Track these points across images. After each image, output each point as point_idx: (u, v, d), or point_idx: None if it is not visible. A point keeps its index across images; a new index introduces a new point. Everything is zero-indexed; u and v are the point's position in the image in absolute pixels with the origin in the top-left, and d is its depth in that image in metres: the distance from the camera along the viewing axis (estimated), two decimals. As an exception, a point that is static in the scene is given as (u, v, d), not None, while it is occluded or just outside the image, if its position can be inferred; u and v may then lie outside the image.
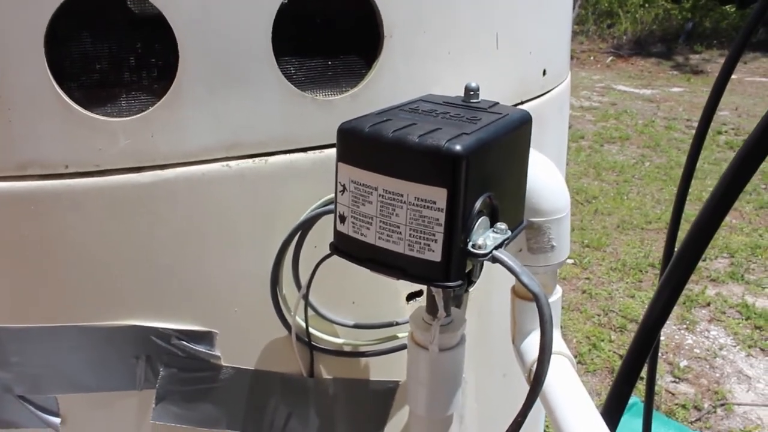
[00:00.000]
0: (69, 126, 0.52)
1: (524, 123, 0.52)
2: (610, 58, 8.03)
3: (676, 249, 0.94)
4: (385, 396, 0.69)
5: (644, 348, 0.62)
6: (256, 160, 0.56)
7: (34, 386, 0.62)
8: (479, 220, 0.46)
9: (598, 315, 3.00)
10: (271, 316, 0.62)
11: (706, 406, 2.47)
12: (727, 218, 4.06)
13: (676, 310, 3.10)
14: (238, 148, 0.55)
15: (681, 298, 3.17)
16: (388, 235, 0.46)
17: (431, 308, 0.55)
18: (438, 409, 0.57)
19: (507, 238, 0.47)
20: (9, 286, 0.58)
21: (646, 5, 8.86)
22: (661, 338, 2.85)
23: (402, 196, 0.45)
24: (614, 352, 2.76)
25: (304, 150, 0.58)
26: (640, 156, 5.11)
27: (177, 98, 0.53)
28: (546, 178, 0.60)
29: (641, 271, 3.37)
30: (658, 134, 5.58)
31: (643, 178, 4.67)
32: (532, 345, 0.63)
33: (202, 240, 0.57)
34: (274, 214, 0.58)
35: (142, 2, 0.50)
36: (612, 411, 0.65)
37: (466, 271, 0.47)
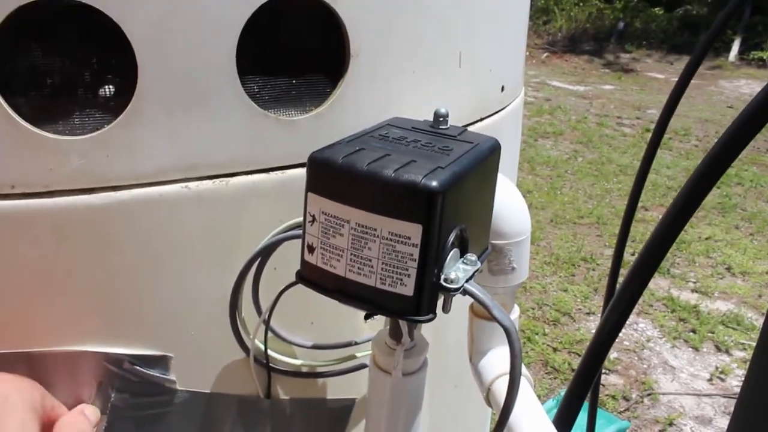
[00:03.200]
0: (16, 144, 0.49)
1: (494, 152, 0.52)
2: (546, 54, 8.20)
3: (626, 254, 0.96)
4: (341, 414, 0.68)
5: (593, 368, 0.64)
6: (216, 181, 0.54)
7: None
8: (451, 253, 0.46)
9: (533, 308, 3.08)
10: (228, 339, 0.60)
11: (633, 396, 2.58)
12: (653, 214, 4.21)
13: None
14: (197, 169, 0.53)
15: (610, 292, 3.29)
16: (359, 268, 0.45)
17: (395, 334, 0.54)
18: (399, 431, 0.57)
19: (476, 270, 0.47)
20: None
21: (581, 4, 9.09)
22: (591, 333, 2.95)
23: (375, 230, 0.44)
24: (548, 346, 2.84)
25: (267, 171, 0.56)
26: (573, 151, 5.25)
27: (134, 117, 0.50)
28: (509, 201, 0.60)
29: (573, 265, 3.48)
30: (591, 130, 5.75)
31: (576, 173, 4.80)
32: (490, 363, 0.63)
33: (158, 264, 0.55)
34: (234, 236, 0.57)
35: (99, 14, 0.47)
36: (563, 425, 0.66)
37: (437, 303, 0.46)
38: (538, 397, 2.48)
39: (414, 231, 0.43)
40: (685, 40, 8.63)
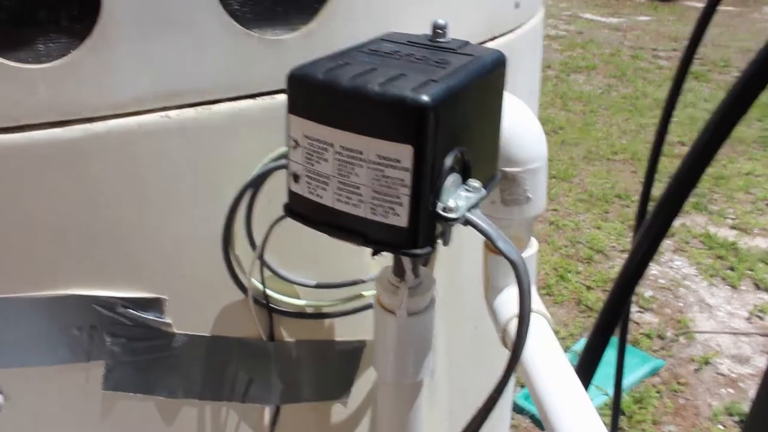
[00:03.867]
0: None
1: (498, 66, 0.46)
2: (578, -16, 7.87)
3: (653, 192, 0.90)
4: (351, 357, 0.65)
5: (619, 303, 0.59)
6: (199, 109, 0.50)
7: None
8: (449, 178, 0.41)
9: (566, 246, 3.02)
10: (224, 279, 0.57)
11: (669, 335, 2.53)
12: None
13: (641, 242, 3.12)
14: (177, 96, 0.49)
15: (646, 229, 3.20)
16: (347, 197, 0.41)
17: (398, 271, 0.50)
18: (407, 375, 0.54)
19: (481, 198, 0.42)
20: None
21: (615, -71, 8.65)
22: (626, 269, 2.89)
23: (361, 153, 0.39)
24: (581, 284, 2.79)
25: (253, 96, 0.51)
26: (607, 86, 5.08)
27: (102, 40, 0.46)
28: (521, 124, 0.55)
29: (607, 202, 3.39)
30: (625, 64, 5.54)
31: (609, 108, 4.64)
32: (505, 302, 0.59)
33: (141, 200, 0.51)
34: (221, 168, 0.53)
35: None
36: (588, 363, 0.62)
37: (436, 234, 0.42)
38: (571, 336, 2.43)
39: (404, 153, 0.38)
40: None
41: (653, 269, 2.90)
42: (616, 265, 2.91)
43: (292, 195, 0.44)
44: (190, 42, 0.48)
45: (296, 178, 0.43)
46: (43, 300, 0.53)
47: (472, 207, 0.41)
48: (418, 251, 0.41)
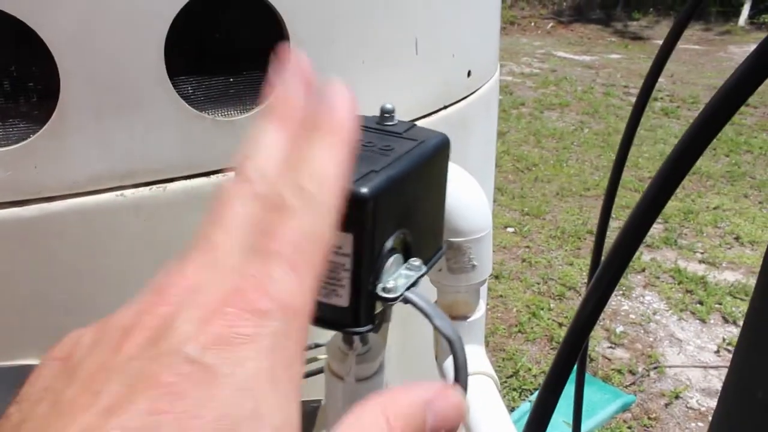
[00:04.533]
0: None
1: (442, 149, 0.49)
2: (551, 24, 8.07)
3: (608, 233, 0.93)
4: (307, 417, 0.67)
5: (571, 356, 0.61)
6: (153, 188, 0.52)
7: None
8: (390, 259, 0.43)
9: (538, 283, 3.06)
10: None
11: (640, 369, 2.56)
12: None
13: (613, 277, 3.16)
14: (132, 176, 0.51)
15: (617, 265, 3.25)
16: (291, 280, 0.43)
17: (347, 338, 0.52)
18: (358, 440, 0.55)
19: (420, 275, 0.44)
20: None
21: (586, -30, 8.90)
22: (598, 305, 2.93)
23: (305, 239, 0.42)
24: (553, 320, 2.82)
25: (206, 174, 0.54)
26: (579, 123, 5.18)
27: (60, 125, 0.48)
28: (466, 196, 0.57)
29: (579, 238, 3.44)
30: (597, 101, 5.67)
31: (582, 144, 4.74)
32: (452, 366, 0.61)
33: (97, 275, 0.53)
34: (176, 244, 0.54)
35: (15, 20, 0.45)
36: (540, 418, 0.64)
37: (377, 312, 0.44)
38: (543, 373, 2.43)
39: (345, 240, 0.41)
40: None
41: (624, 304, 2.94)
42: (587, 301, 2.94)
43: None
44: (144, 124, 0.50)
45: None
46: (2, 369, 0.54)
47: (412, 285, 0.44)
48: (360, 329, 0.43)
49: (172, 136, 0.51)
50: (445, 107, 0.69)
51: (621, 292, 3.03)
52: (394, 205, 0.43)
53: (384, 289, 0.43)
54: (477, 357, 0.62)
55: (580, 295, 3.00)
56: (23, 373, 0.54)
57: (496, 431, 0.54)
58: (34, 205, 0.50)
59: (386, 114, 0.52)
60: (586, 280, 3.09)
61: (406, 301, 0.44)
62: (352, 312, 0.42)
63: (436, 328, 0.43)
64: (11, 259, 0.51)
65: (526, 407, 2.25)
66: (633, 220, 0.51)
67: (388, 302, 0.43)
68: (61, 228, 0.51)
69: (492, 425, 0.55)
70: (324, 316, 0.43)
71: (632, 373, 2.56)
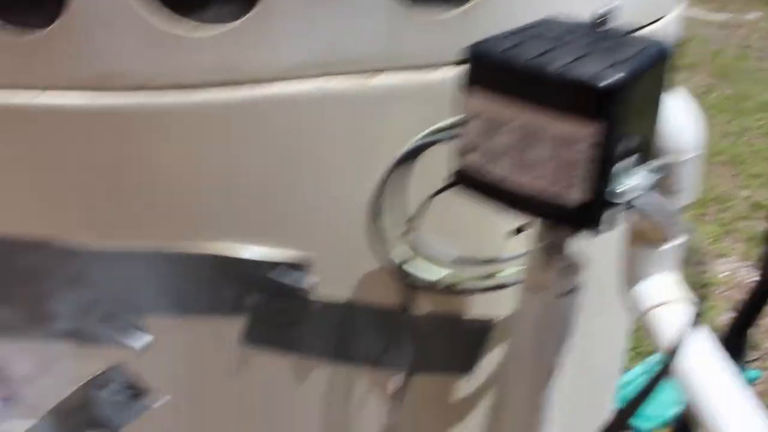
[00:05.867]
0: (152, 39, 0.48)
1: (666, 54, 0.46)
2: (682, -22, 7.54)
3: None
4: (480, 334, 0.66)
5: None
6: (358, 78, 0.52)
7: (116, 306, 0.61)
8: (626, 160, 0.41)
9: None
10: (367, 248, 0.59)
11: (766, 345, 2.43)
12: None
13: (740, 248, 3.01)
14: (337, 65, 0.51)
15: (743, 234, 3.08)
16: (524, 172, 0.42)
17: (552, 250, 0.51)
18: (547, 356, 0.54)
19: (657, 180, 0.42)
20: (91, 205, 0.56)
21: None
22: (722, 275, 2.79)
23: (543, 130, 0.40)
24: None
25: (412, 69, 0.53)
26: (709, 85, 4.86)
27: (268, 9, 0.48)
28: (680, 114, 0.54)
29: (703, 205, 3.26)
30: (729, 63, 5.28)
31: (710, 109, 4.45)
32: (647, 290, 0.58)
33: (295, 165, 0.53)
34: (377, 140, 0.54)
35: None
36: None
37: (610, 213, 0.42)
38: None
39: (587, 132, 0.39)
40: None
41: (752, 275, 2.78)
42: (712, 270, 2.81)
43: (463, 166, 0.45)
44: (353, 12, 0.50)
45: (469, 150, 0.44)
46: (190, 254, 0.57)
47: (649, 189, 0.41)
48: (591, 229, 0.41)
49: (380, 26, 0.50)
50: (652, 23, 0.66)
51: (750, 262, 2.85)
52: (634, 100, 0.41)
53: (620, 190, 0.41)
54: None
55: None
56: (214, 258, 0.56)
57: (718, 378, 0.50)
58: (239, 89, 0.50)
59: (601, 18, 0.49)
60: (710, 248, 2.94)
61: (642, 205, 0.42)
62: (586, 211, 0.41)
63: (670, 233, 0.41)
64: (213, 142, 0.52)
65: (638, 370, 2.19)
66: None
67: (625, 204, 0.41)
68: (262, 114, 0.51)
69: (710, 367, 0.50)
70: (552, 213, 0.42)
71: (756, 348, 2.42)
